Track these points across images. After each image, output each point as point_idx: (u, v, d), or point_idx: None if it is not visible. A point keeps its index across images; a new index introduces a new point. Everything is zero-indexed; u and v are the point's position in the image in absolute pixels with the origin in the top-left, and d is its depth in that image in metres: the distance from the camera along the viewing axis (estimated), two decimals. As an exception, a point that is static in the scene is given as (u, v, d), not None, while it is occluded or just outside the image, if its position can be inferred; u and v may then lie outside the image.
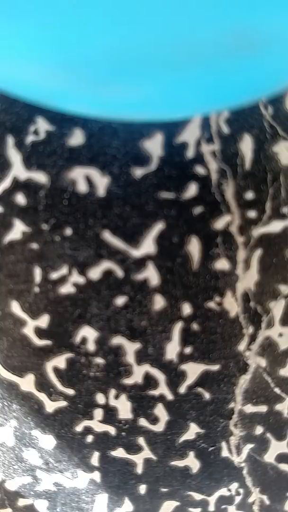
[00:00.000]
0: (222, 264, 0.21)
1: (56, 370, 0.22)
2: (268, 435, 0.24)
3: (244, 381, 0.23)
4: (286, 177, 0.20)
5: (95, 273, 0.21)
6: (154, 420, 0.23)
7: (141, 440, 0.24)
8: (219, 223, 0.20)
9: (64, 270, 0.21)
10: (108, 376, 0.22)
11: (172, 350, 0.22)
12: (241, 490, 0.25)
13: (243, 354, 0.22)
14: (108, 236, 0.20)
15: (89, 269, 0.21)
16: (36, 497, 0.25)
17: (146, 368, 0.22)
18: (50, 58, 0.11)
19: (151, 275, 0.21)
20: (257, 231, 0.21)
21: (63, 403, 0.23)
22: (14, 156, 0.20)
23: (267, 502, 0.26)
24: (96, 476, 0.25)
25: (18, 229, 0.20)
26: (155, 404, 0.23)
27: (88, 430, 0.24)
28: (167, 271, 0.21)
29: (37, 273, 0.21)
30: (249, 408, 0.24)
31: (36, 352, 0.22)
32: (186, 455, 0.24)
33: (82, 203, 0.20)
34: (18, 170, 0.20)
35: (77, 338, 0.22)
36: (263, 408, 0.24)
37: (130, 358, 0.22)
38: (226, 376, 0.23)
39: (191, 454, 0.24)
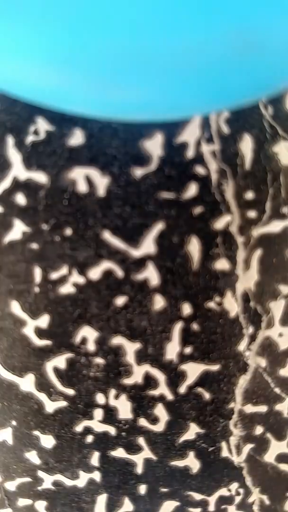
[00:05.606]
0: (222, 264, 0.21)
1: (56, 370, 0.22)
2: (268, 435, 0.24)
3: (244, 381, 0.23)
4: (286, 177, 0.20)
5: (95, 273, 0.21)
6: (154, 420, 0.23)
7: (141, 440, 0.24)
8: (219, 223, 0.20)
9: (64, 270, 0.21)
10: (108, 376, 0.22)
11: (172, 350, 0.22)
12: (241, 490, 0.25)
13: (243, 354, 0.22)
14: (108, 236, 0.20)
15: (89, 269, 0.21)
16: (36, 497, 0.25)
17: (146, 368, 0.22)
18: (50, 58, 0.11)
19: (151, 275, 0.21)
20: (257, 231, 0.21)
21: (63, 403, 0.23)
22: (14, 156, 0.20)
23: (267, 502, 0.26)
24: (96, 476, 0.25)
25: (18, 229, 0.20)
26: (155, 404, 0.23)
27: (88, 430, 0.24)
28: (167, 271, 0.21)
29: (37, 273, 0.21)
30: (249, 408, 0.24)
31: (36, 352, 0.22)
32: (186, 455, 0.24)
33: (82, 203, 0.20)
34: (18, 170, 0.20)
35: (77, 338, 0.22)
36: (263, 408, 0.24)
37: (130, 358, 0.22)
38: (226, 376, 0.23)
39: (191, 454, 0.24)
